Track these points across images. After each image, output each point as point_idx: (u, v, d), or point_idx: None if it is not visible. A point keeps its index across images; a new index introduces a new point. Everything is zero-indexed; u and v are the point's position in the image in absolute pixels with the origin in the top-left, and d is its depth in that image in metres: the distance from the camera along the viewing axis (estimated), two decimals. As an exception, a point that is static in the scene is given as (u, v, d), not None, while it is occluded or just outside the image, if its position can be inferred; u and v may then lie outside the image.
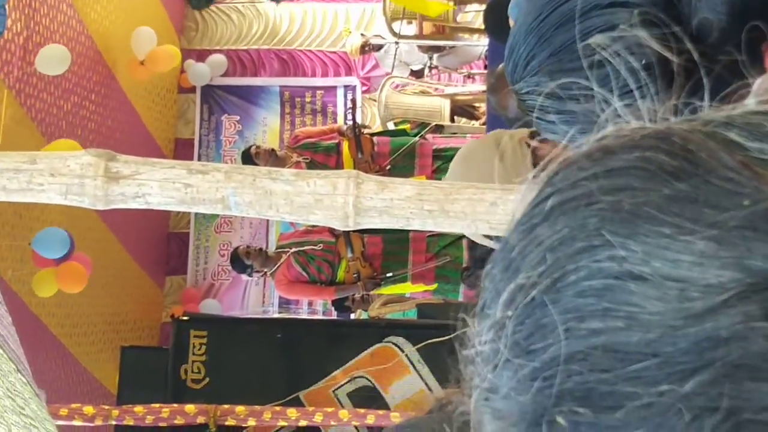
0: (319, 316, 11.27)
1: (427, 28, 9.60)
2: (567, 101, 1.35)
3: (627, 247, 0.58)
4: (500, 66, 3.67)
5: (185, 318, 7.61)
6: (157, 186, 1.56)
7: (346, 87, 11.61)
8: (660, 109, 0.67)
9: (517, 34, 1.42)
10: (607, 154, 0.64)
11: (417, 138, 8.77)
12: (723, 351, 0.55)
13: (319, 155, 8.73)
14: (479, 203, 1.50)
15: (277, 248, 8.87)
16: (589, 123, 1.36)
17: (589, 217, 0.60)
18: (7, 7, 6.86)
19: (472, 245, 2.67)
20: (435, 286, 8.37)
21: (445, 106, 9.18)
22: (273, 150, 8.83)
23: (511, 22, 4.18)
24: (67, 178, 1.58)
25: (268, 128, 11.75)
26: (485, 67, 9.64)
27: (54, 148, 8.09)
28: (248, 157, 8.75)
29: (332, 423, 6.25)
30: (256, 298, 11.55)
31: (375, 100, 10.08)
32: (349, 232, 7.35)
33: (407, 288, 8.48)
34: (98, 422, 5.84)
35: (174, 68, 10.62)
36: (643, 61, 1.28)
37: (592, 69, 1.31)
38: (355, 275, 8.39)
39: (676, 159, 0.61)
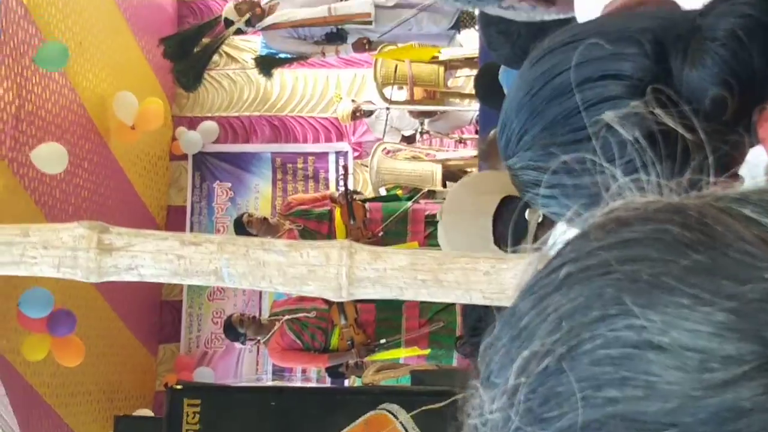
0: (313, 384, 11.21)
1: (418, 93, 9.64)
2: (563, 175, 1.35)
3: (646, 316, 0.58)
4: (491, 132, 3.69)
5: (179, 386, 7.56)
6: (149, 258, 1.55)
7: (337, 153, 11.63)
8: (666, 184, 0.67)
9: (508, 109, 1.42)
10: (621, 226, 0.64)
11: (409, 204, 8.77)
12: (745, 422, 0.56)
13: (311, 222, 8.73)
14: (473, 273, 1.50)
15: (270, 316, 8.85)
16: (587, 197, 1.37)
17: (605, 287, 0.60)
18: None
19: (465, 312, 2.66)
20: (428, 351, 8.34)
21: (437, 171, 9.20)
22: (265, 218, 8.83)
23: (504, 89, 4.20)
24: (60, 250, 1.58)
25: (260, 195, 11.76)
26: (476, 131, 9.67)
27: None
28: (240, 226, 8.76)
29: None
30: (249, 366, 11.50)
31: (366, 166, 10.10)
32: (342, 298, 7.33)
33: (401, 353, 8.45)
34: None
35: (165, 136, 10.65)
36: (636, 133, 1.29)
37: (593, 141, 1.32)
38: (349, 342, 8.37)
39: (692, 232, 0.61)
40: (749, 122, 1.36)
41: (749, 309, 0.57)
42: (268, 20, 8.82)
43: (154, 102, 10.01)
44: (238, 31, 9.32)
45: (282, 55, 9.80)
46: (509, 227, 2.41)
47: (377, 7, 8.52)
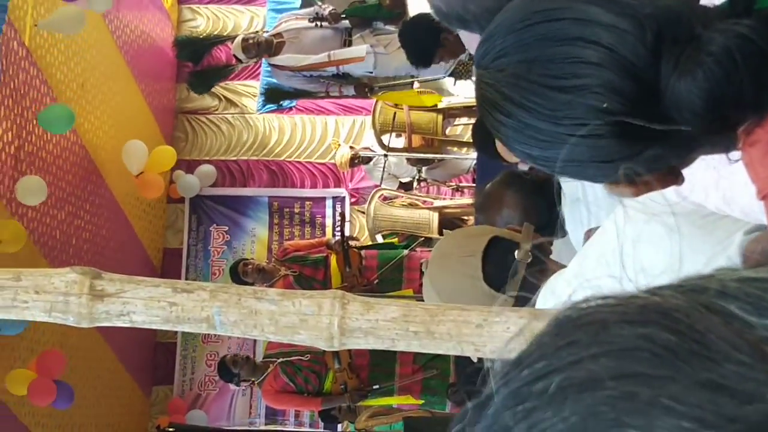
0: (306, 428, 11.18)
1: (416, 141, 9.66)
2: (522, 110, 1.38)
3: None
4: (488, 185, 3.69)
5: (170, 429, 7.53)
6: (141, 304, 1.55)
7: (334, 198, 11.65)
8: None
9: (500, 25, 1.42)
10: (602, 329, 0.61)
11: (405, 251, 8.79)
12: None
13: (307, 269, 8.75)
14: (465, 325, 1.50)
15: (264, 358, 8.85)
16: (534, 140, 1.39)
17: (599, 405, 0.57)
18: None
19: (459, 360, 2.65)
20: (422, 401, 8.33)
21: (434, 219, 9.20)
22: (262, 267, 8.84)
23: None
24: (52, 295, 1.58)
25: (256, 238, 11.76)
26: (474, 180, 9.69)
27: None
28: (236, 274, 8.78)
29: None
30: (242, 409, 11.46)
31: (363, 212, 10.12)
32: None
33: (394, 401, 8.44)
34: None
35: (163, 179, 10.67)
36: (605, 105, 1.30)
37: (556, 92, 1.33)
38: (342, 386, 8.36)
39: (684, 340, 0.58)
40: (717, 138, 1.38)
41: (754, 430, 0.54)
42: (275, 60, 8.95)
43: (164, 150, 10.12)
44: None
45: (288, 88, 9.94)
46: (498, 266, 2.42)
47: (377, 54, 8.62)
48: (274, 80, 10.15)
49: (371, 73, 8.96)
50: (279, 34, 9.04)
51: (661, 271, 0.74)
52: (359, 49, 8.69)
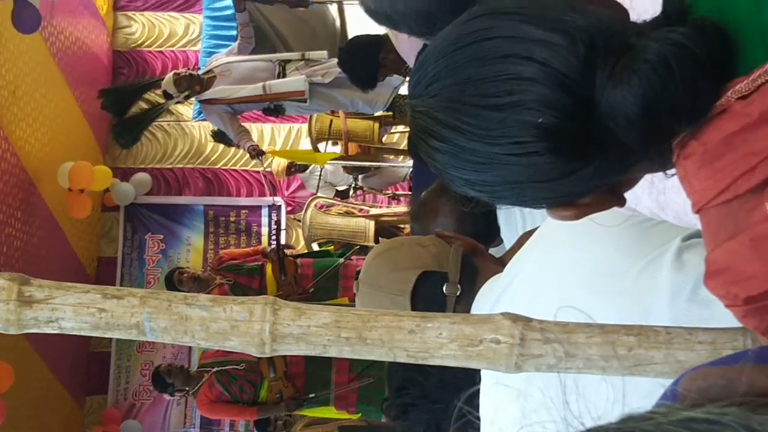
0: (241, 438, 11.15)
1: (353, 148, 9.67)
2: (457, 134, 1.36)
3: None
4: (423, 193, 3.68)
5: (104, 439, 7.47)
6: (70, 311, 1.54)
7: (270, 207, 11.63)
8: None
9: (431, 52, 1.41)
10: None
11: (341, 260, 8.79)
12: None
13: (242, 277, 8.72)
14: (397, 330, 1.50)
15: (199, 367, 8.80)
16: (471, 163, 1.38)
17: None
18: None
19: (390, 372, 2.64)
20: (358, 416, 8.33)
21: (370, 227, 9.21)
22: (197, 276, 8.79)
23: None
24: (-21, 302, 1.56)
25: (191, 247, 11.71)
26: (410, 188, 9.71)
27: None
28: (171, 283, 8.73)
29: None
30: (177, 419, 11.41)
31: (300, 221, 10.10)
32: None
33: (331, 413, 8.43)
34: None
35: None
36: (540, 120, 1.30)
37: (490, 110, 1.33)
38: (278, 395, 8.33)
39: None
40: (657, 150, 1.38)
41: None
42: (206, 95, 8.80)
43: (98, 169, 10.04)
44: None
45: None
46: (428, 304, 2.41)
47: (312, 84, 8.51)
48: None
49: (305, 102, 8.74)
50: (210, 71, 8.93)
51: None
52: (297, 80, 8.54)
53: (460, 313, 2.24)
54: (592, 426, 0.66)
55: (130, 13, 12.16)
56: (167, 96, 9.05)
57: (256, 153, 8.77)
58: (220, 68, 8.78)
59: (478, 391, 2.15)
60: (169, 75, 9.05)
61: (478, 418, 2.13)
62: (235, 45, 8.93)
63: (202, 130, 11.74)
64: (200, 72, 9.08)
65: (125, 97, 9.74)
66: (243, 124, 9.25)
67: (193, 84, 8.79)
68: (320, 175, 9.76)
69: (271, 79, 8.66)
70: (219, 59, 8.97)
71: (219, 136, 9.88)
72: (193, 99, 9.15)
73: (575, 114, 1.29)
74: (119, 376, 11.55)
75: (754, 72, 1.27)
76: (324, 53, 8.72)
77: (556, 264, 2.06)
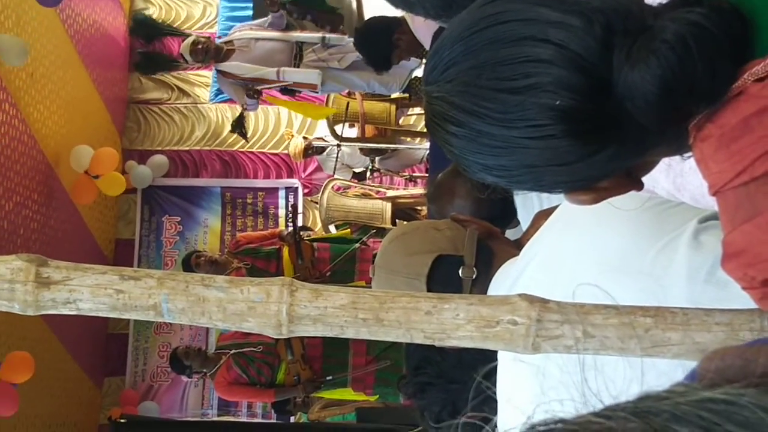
0: (259, 419, 11.15)
1: (369, 131, 9.67)
2: (475, 118, 1.35)
3: None
4: (440, 175, 3.67)
5: (122, 420, 7.50)
6: (88, 292, 1.54)
7: (287, 189, 11.62)
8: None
9: (446, 38, 1.40)
10: None
11: (357, 244, 8.78)
12: None
13: (259, 261, 8.73)
14: (414, 312, 1.49)
15: (216, 349, 8.83)
16: (488, 147, 1.37)
17: None
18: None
19: (408, 352, 2.64)
20: (376, 397, 8.34)
21: (387, 209, 9.20)
22: (214, 260, 8.80)
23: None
24: (-3, 283, 1.56)
25: (209, 229, 11.72)
26: (427, 170, 9.70)
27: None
28: (188, 266, 8.74)
29: None
30: (195, 400, 11.43)
31: (317, 203, 10.10)
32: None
33: (348, 395, 8.44)
34: None
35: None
36: (558, 102, 1.29)
37: (507, 93, 1.32)
38: (295, 378, 8.35)
39: None
40: (674, 132, 1.37)
41: None
42: (224, 66, 8.86)
43: (108, 152, 10.04)
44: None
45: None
46: (444, 287, 2.40)
47: (329, 69, 8.58)
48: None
49: (317, 92, 9.05)
50: (230, 42, 8.98)
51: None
52: (310, 73, 8.59)
53: (476, 295, 2.23)
54: (610, 403, 0.65)
55: (147, -4, 12.17)
56: (183, 58, 9.29)
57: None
58: (241, 42, 8.83)
59: (494, 370, 2.15)
60: (188, 40, 9.17)
61: (496, 394, 2.13)
62: (267, 19, 9.00)
63: (219, 112, 11.74)
64: (221, 40, 9.18)
65: (154, 30, 11.18)
66: (260, 107, 9.34)
67: (208, 58, 8.92)
68: (337, 157, 9.75)
69: (288, 61, 8.69)
70: (243, 30, 9.02)
71: (237, 128, 9.96)
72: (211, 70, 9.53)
73: (593, 96, 1.28)
74: (137, 357, 11.58)
75: None
76: (344, 37, 8.74)
77: (573, 247, 2.06)
